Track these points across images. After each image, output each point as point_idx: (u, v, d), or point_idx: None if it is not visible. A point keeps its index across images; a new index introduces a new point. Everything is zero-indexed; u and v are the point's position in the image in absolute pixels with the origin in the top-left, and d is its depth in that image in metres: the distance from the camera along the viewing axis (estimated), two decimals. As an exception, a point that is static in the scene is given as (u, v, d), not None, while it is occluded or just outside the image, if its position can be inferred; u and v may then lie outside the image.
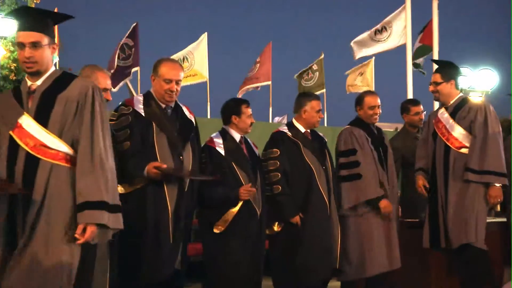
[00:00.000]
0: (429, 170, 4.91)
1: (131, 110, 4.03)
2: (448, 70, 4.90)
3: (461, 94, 4.94)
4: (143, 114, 4.02)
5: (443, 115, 4.85)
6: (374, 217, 4.87)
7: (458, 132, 4.74)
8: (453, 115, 4.80)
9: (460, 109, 4.79)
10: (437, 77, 4.88)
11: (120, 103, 4.13)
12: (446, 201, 4.71)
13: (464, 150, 4.70)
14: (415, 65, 11.36)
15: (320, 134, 5.05)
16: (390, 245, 4.87)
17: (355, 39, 10.88)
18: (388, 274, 4.91)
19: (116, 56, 11.18)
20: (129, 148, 3.94)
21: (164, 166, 3.89)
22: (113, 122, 4.00)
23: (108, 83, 3.87)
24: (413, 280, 5.07)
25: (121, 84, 11.33)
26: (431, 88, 4.92)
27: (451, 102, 4.86)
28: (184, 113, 4.23)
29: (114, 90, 11.11)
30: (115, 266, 3.76)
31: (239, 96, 12.19)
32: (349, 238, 4.86)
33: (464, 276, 4.69)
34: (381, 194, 4.84)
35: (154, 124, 4.01)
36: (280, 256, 4.75)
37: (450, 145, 4.74)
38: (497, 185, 4.61)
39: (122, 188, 3.87)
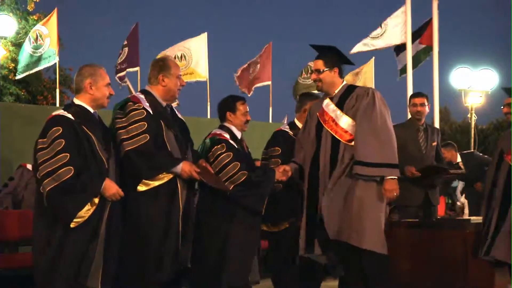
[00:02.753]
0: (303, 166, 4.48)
1: (142, 106, 3.99)
2: (332, 56, 4.39)
3: (345, 82, 4.45)
4: (151, 112, 4.01)
5: (329, 106, 4.36)
6: None
7: (347, 123, 4.26)
8: (339, 105, 4.33)
9: (347, 98, 4.33)
10: (320, 64, 4.37)
11: (125, 101, 4.05)
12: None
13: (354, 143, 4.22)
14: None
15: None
16: None
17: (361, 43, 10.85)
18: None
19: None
20: (149, 141, 3.89)
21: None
22: (121, 119, 3.96)
23: (109, 78, 3.92)
24: (411, 280, 5.07)
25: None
26: (313, 76, 4.40)
27: (336, 91, 4.39)
28: (176, 113, 4.26)
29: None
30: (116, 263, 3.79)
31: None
32: None
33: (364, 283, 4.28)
34: None
35: (162, 122, 4.01)
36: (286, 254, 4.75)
37: (339, 138, 4.25)
38: (392, 177, 4.17)
39: (143, 186, 3.88)
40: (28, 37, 10.93)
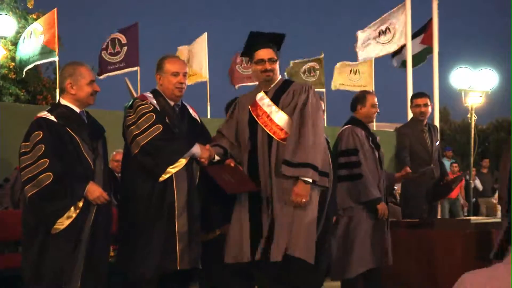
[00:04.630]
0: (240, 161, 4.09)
1: (148, 102, 3.98)
2: (277, 47, 4.06)
3: (280, 76, 4.12)
4: (158, 109, 3.98)
5: (263, 100, 4.02)
6: (364, 217, 4.81)
7: (282, 119, 3.94)
8: (275, 100, 4.01)
9: (283, 94, 4.01)
10: (272, 53, 4.02)
11: (133, 100, 4.04)
12: (272, 206, 3.89)
13: None
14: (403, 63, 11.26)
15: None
16: (376, 244, 4.79)
17: (360, 36, 10.80)
18: (384, 273, 4.93)
19: (104, 46, 11.09)
20: (162, 131, 3.85)
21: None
22: (131, 116, 3.92)
23: (92, 74, 3.87)
24: (411, 280, 5.08)
25: (101, 77, 11.15)
26: (267, 65, 4.00)
27: (272, 85, 4.06)
28: (190, 112, 4.22)
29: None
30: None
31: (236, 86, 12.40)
32: (338, 237, 4.81)
33: None
34: (379, 195, 4.81)
35: (167, 120, 3.98)
36: None
37: (273, 136, 3.93)
38: (307, 180, 3.80)
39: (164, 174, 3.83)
40: (22, 36, 10.92)
